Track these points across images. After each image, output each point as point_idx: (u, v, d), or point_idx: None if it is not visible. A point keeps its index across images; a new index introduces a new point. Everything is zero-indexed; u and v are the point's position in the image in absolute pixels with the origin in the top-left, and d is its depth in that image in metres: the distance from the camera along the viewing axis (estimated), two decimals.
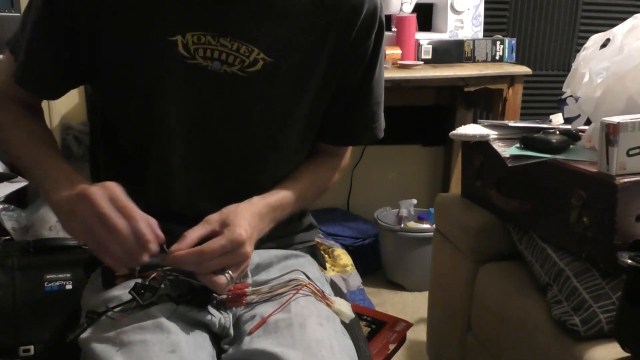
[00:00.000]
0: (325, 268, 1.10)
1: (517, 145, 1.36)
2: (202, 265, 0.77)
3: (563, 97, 1.37)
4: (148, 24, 0.83)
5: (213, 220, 0.80)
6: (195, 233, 0.78)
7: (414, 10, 2.21)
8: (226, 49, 0.85)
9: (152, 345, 0.74)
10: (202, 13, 0.84)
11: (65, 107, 2.23)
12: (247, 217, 0.82)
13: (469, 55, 2.23)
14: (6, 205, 1.76)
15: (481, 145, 1.46)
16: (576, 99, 1.30)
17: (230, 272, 0.78)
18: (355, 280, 2.11)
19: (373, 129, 1.01)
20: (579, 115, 1.32)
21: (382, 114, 1.02)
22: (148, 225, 0.74)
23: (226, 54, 0.85)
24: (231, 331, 0.85)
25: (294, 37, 0.88)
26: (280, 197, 0.92)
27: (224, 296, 0.83)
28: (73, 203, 0.75)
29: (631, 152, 1.11)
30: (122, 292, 0.83)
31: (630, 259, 0.98)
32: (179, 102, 0.87)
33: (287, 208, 0.93)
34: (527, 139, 1.34)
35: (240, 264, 0.79)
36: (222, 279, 0.77)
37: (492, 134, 1.43)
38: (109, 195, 0.74)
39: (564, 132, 1.35)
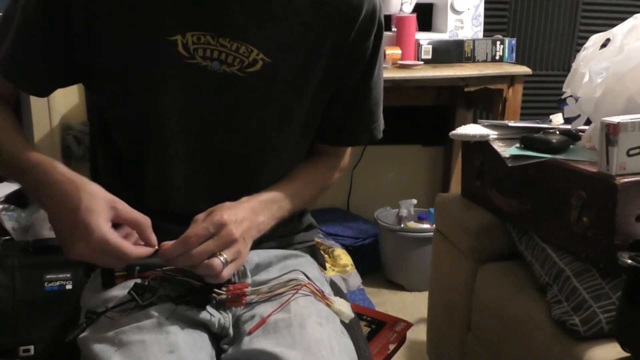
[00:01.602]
0: (325, 268, 1.10)
1: (517, 145, 1.36)
2: (191, 254, 0.77)
3: (563, 97, 1.37)
4: (147, 24, 0.83)
5: (200, 218, 0.81)
6: (186, 232, 0.79)
7: (414, 10, 2.21)
8: (226, 49, 0.85)
9: (151, 345, 0.74)
10: (202, 13, 0.84)
11: (65, 107, 2.23)
12: (233, 208, 0.83)
13: (469, 55, 2.23)
14: (6, 205, 1.76)
15: (481, 145, 1.46)
16: (576, 99, 1.30)
17: (224, 255, 0.78)
18: (355, 280, 2.11)
19: (372, 129, 1.01)
20: (579, 115, 1.32)
21: (381, 115, 1.02)
22: (138, 249, 0.77)
23: (225, 54, 0.85)
24: (231, 331, 0.84)
25: (293, 38, 0.88)
26: (272, 194, 0.91)
27: (224, 296, 0.83)
28: (65, 247, 0.77)
29: (631, 152, 1.11)
30: (121, 292, 0.83)
31: (630, 259, 0.98)
32: (177, 102, 0.87)
33: (283, 205, 0.93)
34: (527, 139, 1.34)
35: (228, 245, 0.79)
36: (215, 261, 0.77)
37: (492, 134, 1.43)
38: (97, 249, 0.75)
39: (564, 132, 1.35)
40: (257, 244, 0.88)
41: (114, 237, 0.75)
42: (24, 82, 0.89)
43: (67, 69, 0.88)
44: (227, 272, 0.79)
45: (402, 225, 2.35)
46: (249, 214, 0.85)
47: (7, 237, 1.70)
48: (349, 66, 0.93)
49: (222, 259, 0.78)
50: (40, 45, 0.85)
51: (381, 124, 1.03)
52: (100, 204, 0.76)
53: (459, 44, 2.22)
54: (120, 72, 0.86)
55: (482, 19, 2.32)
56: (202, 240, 0.77)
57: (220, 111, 0.89)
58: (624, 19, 1.28)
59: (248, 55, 0.86)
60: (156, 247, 0.78)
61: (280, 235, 0.97)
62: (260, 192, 0.91)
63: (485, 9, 2.33)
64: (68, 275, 1.56)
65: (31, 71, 0.87)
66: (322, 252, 2.07)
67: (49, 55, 0.86)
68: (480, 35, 2.32)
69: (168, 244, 0.77)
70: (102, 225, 0.75)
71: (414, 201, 2.44)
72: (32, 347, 1.53)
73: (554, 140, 1.28)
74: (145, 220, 0.78)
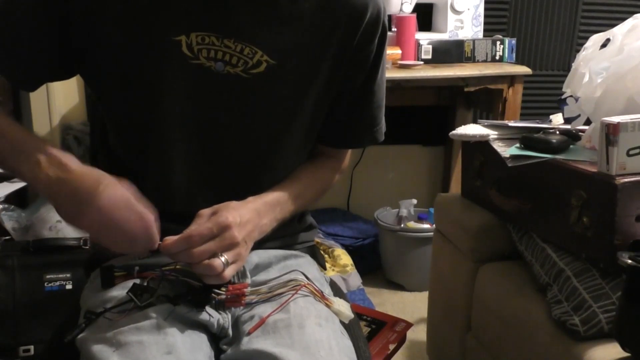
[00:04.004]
0: (325, 268, 1.10)
1: (517, 145, 1.36)
2: (192, 252, 0.77)
3: (563, 97, 1.37)
4: (152, 24, 0.83)
5: (205, 213, 0.81)
6: (190, 229, 0.79)
7: (414, 10, 2.21)
8: (230, 50, 0.85)
9: (149, 346, 0.74)
10: (206, 14, 0.84)
11: (65, 107, 2.23)
12: (239, 209, 0.83)
13: (469, 55, 2.22)
14: (6, 205, 1.77)
15: (481, 145, 1.46)
16: (576, 99, 1.30)
17: (225, 255, 0.78)
18: (355, 280, 2.11)
19: (374, 132, 1.01)
20: (579, 115, 1.32)
21: (383, 118, 1.02)
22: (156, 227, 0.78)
23: (230, 55, 0.85)
24: (230, 331, 0.84)
25: (297, 40, 0.88)
26: (277, 195, 0.92)
27: (223, 296, 0.83)
28: (78, 209, 0.76)
29: (631, 152, 1.11)
30: (120, 292, 0.83)
31: (630, 259, 0.98)
32: (181, 102, 0.87)
33: (286, 207, 0.93)
34: (527, 139, 1.33)
35: (230, 248, 0.79)
36: (216, 261, 0.77)
37: (492, 134, 1.43)
38: (120, 202, 0.76)
39: (564, 132, 1.35)
40: (257, 245, 0.88)
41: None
42: (10, 71, 0.87)
43: (63, 63, 0.86)
44: (228, 273, 0.79)
45: (402, 225, 2.35)
46: (253, 215, 0.85)
47: (7, 237, 1.70)
48: (353, 69, 0.93)
49: (222, 259, 0.78)
50: (32, 35, 0.83)
51: (383, 126, 1.03)
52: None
53: (459, 44, 2.22)
54: (123, 71, 0.85)
55: (482, 19, 2.32)
56: (204, 240, 0.78)
57: (223, 112, 0.88)
58: (624, 19, 1.28)
59: (252, 56, 0.86)
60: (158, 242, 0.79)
61: (280, 236, 0.97)
62: (265, 192, 0.91)
63: (485, 9, 2.33)
64: (68, 275, 1.56)
65: (19, 62, 0.85)
66: (322, 252, 2.07)
67: (41, 47, 0.84)
68: (480, 35, 2.32)
69: (171, 238, 0.77)
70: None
71: (414, 201, 2.44)
72: (32, 347, 1.53)
73: (554, 140, 1.28)
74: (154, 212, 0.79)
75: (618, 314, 1.05)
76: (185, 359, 0.75)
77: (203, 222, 0.80)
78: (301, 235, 1.04)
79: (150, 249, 0.78)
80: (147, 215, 0.77)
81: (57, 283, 1.56)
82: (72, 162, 0.78)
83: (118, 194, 0.76)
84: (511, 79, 2.15)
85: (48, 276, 1.55)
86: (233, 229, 0.79)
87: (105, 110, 0.93)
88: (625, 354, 1.03)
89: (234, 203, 0.84)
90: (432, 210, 2.02)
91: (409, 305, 2.24)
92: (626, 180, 1.10)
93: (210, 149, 0.90)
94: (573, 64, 1.32)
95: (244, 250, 0.82)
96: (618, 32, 1.25)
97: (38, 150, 0.78)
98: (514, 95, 2.16)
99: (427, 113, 2.68)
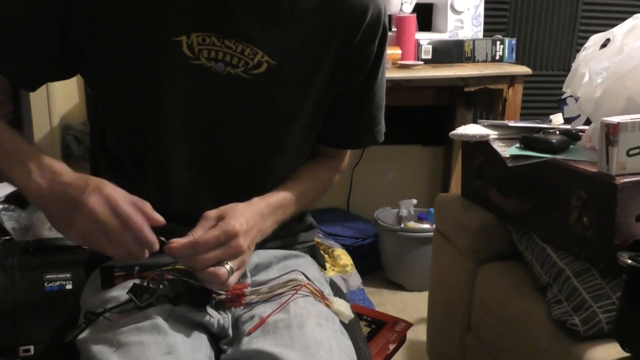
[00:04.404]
0: (325, 268, 1.10)
1: (517, 145, 1.36)
2: (197, 258, 0.76)
3: (563, 97, 1.37)
4: (153, 24, 0.83)
5: (211, 216, 0.80)
6: (196, 232, 0.78)
7: (414, 10, 2.21)
8: (230, 51, 0.85)
9: (149, 347, 0.74)
10: (207, 14, 0.84)
11: (65, 107, 2.23)
12: (245, 213, 0.82)
13: (469, 55, 2.22)
14: (6, 205, 1.76)
15: (481, 145, 1.46)
16: (576, 99, 1.30)
17: (229, 263, 0.78)
18: (355, 280, 2.11)
19: (374, 132, 1.01)
20: (579, 115, 1.32)
21: (383, 118, 1.02)
22: (148, 227, 0.75)
23: (230, 56, 0.85)
24: (230, 332, 0.85)
25: (298, 41, 0.88)
26: (280, 197, 0.92)
27: (223, 296, 0.83)
28: (69, 214, 0.74)
29: (631, 152, 1.11)
30: (120, 292, 0.83)
31: (630, 259, 0.98)
32: (181, 103, 0.86)
33: (288, 208, 0.93)
34: (527, 139, 1.33)
35: (236, 256, 0.79)
36: (221, 269, 0.77)
37: (492, 134, 1.43)
38: (106, 202, 0.74)
39: (564, 132, 1.35)
40: (258, 245, 0.88)
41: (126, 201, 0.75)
42: (10, 71, 0.87)
43: (63, 62, 0.86)
44: (232, 281, 0.79)
45: (402, 225, 2.35)
46: (258, 219, 0.85)
47: (7, 237, 1.70)
48: (353, 69, 0.93)
49: (227, 267, 0.78)
50: (32, 35, 0.83)
51: (383, 127, 1.03)
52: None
53: (459, 44, 2.22)
54: (123, 71, 0.85)
55: (482, 19, 2.32)
56: (210, 247, 0.77)
57: (224, 113, 0.88)
58: (624, 19, 1.28)
59: (253, 57, 0.86)
60: (162, 239, 0.78)
61: (280, 236, 0.97)
62: (268, 194, 0.91)
63: (485, 9, 2.33)
64: (68, 275, 1.56)
65: (19, 62, 0.85)
66: (322, 252, 2.07)
67: (41, 47, 0.84)
68: (480, 35, 2.32)
69: (178, 241, 0.76)
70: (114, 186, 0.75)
71: (414, 201, 2.44)
72: (32, 347, 1.53)
73: (554, 140, 1.28)
74: (145, 203, 0.77)
75: (618, 314, 1.05)
76: (185, 359, 0.75)
77: (209, 225, 0.79)
78: (301, 235, 1.04)
79: (149, 249, 0.76)
80: (135, 217, 0.75)
81: (57, 283, 1.56)
82: (63, 169, 0.78)
83: (104, 195, 0.74)
84: (511, 79, 2.15)
85: (48, 276, 1.55)
86: (240, 237, 0.79)
87: (105, 110, 0.92)
88: (625, 354, 1.03)
89: (239, 206, 0.83)
90: (432, 210, 2.02)
91: (409, 305, 2.24)
92: (626, 180, 1.10)
93: (211, 149, 0.90)
94: (573, 64, 1.32)
95: (248, 256, 0.82)
96: (618, 32, 1.25)
97: (29, 158, 0.78)
98: (514, 95, 2.16)
99: (427, 113, 2.68)
